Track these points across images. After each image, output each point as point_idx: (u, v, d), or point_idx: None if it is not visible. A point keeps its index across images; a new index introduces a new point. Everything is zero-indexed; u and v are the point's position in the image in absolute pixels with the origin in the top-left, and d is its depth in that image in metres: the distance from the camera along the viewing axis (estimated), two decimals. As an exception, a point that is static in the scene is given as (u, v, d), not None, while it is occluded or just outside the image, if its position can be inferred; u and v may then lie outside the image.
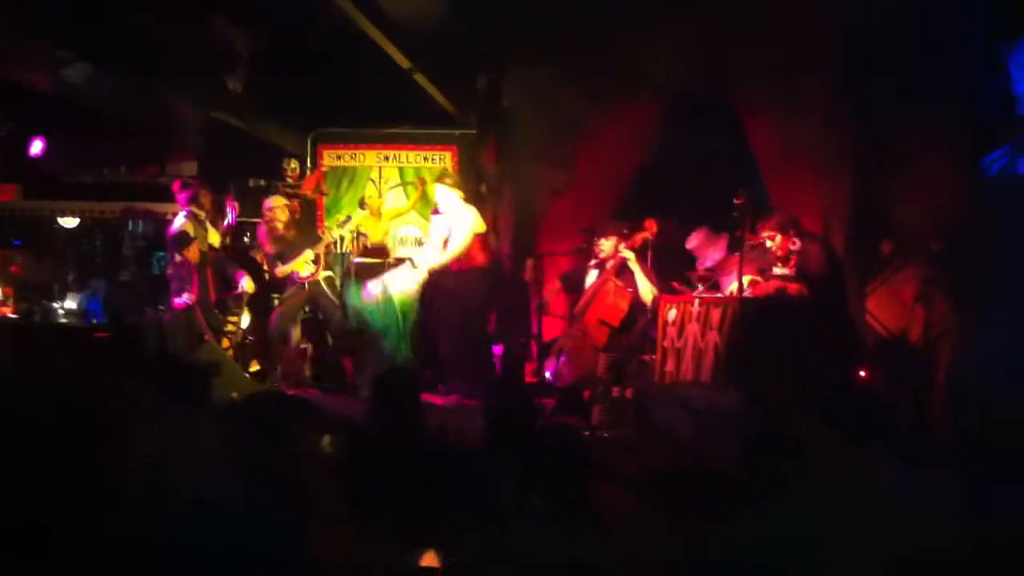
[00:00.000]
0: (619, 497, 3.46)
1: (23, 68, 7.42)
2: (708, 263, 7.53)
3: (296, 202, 8.73)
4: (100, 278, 11.17)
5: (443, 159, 9.58)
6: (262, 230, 8.46)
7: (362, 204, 9.13)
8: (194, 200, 8.43)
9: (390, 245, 9.38)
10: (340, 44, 7.95)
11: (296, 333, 8.91)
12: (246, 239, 9.79)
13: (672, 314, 6.70)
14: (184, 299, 8.03)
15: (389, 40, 7.56)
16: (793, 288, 6.51)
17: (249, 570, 2.57)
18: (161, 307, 8.39)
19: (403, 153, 9.75)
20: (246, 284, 8.51)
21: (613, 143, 8.74)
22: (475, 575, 2.80)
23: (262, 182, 9.81)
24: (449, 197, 7.80)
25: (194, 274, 8.17)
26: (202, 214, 8.41)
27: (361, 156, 9.79)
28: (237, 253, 9.42)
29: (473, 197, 9.32)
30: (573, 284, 7.88)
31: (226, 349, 8.24)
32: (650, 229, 7.41)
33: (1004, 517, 3.18)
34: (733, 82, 7.92)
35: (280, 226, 8.35)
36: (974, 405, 5.45)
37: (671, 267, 7.67)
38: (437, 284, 7.80)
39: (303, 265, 8.26)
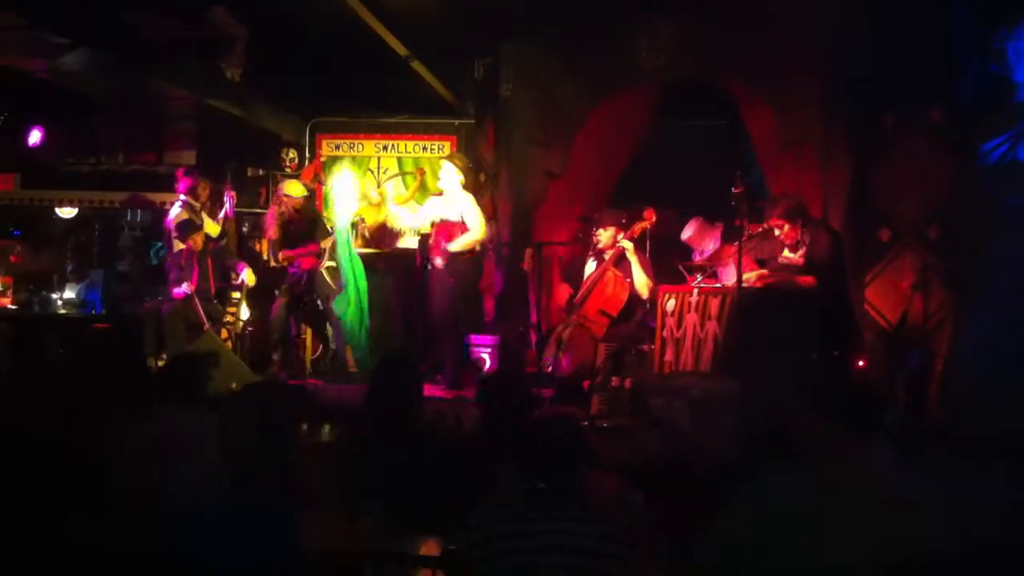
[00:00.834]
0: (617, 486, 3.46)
1: (20, 56, 7.39)
2: (703, 253, 7.53)
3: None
4: (99, 268, 11.16)
5: (442, 148, 9.57)
6: (271, 213, 8.44)
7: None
8: (193, 190, 8.43)
9: (389, 235, 9.37)
10: (338, 33, 7.92)
11: (295, 323, 8.93)
12: (244, 229, 9.78)
13: (671, 304, 6.69)
14: (183, 289, 8.02)
15: (387, 28, 7.53)
16: (802, 279, 6.49)
17: (246, 559, 2.57)
18: (160, 297, 8.37)
19: (401, 142, 9.73)
20: (247, 276, 8.50)
21: (610, 131, 8.74)
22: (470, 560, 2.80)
23: (260, 171, 9.80)
24: (453, 179, 7.78)
25: (194, 264, 8.16)
26: (197, 204, 8.39)
27: (360, 145, 9.77)
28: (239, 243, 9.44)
29: (472, 186, 9.34)
30: (571, 274, 7.88)
31: (225, 340, 8.24)
32: (649, 219, 7.39)
33: (999, 508, 3.19)
34: (730, 69, 7.91)
35: (289, 213, 8.35)
36: (971, 393, 5.45)
37: (670, 256, 7.68)
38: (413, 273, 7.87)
39: (307, 256, 8.25)
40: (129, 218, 11.70)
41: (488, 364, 8.19)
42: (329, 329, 8.82)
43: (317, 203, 9.42)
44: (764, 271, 6.78)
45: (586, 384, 7.02)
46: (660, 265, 7.55)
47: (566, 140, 8.62)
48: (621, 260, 7.35)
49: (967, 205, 6.14)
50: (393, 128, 9.75)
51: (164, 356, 7.88)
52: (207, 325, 7.92)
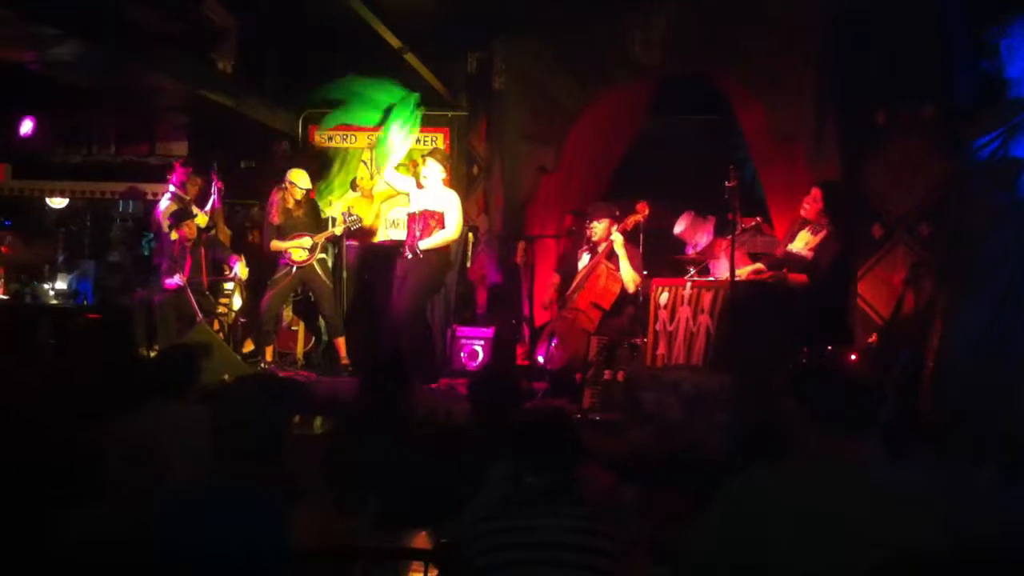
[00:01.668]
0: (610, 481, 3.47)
1: (11, 47, 7.35)
2: (696, 247, 7.53)
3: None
4: (90, 259, 11.14)
5: (435, 140, 9.54)
6: (275, 199, 8.42)
7: (354, 186, 9.11)
8: (183, 183, 8.40)
9: (381, 227, 9.36)
10: (331, 24, 7.90)
11: (287, 314, 8.92)
12: (245, 223, 9.76)
13: (664, 297, 6.70)
14: (176, 280, 8.00)
15: (380, 20, 7.51)
16: (791, 276, 6.51)
17: (237, 552, 2.57)
18: (152, 288, 8.35)
19: (395, 134, 9.69)
20: (239, 270, 8.49)
21: (604, 126, 8.74)
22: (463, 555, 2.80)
23: (253, 163, 9.77)
24: (436, 173, 7.78)
25: (187, 255, 8.14)
26: (187, 197, 8.37)
27: (352, 137, 9.73)
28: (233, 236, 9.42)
29: (465, 179, 9.32)
30: (565, 267, 7.89)
31: (217, 331, 8.22)
32: (642, 212, 7.40)
33: (990, 504, 3.20)
34: (723, 65, 7.91)
35: (292, 201, 8.33)
36: (962, 390, 5.46)
37: (664, 250, 7.69)
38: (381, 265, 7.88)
39: (298, 250, 8.24)
40: (121, 209, 11.68)
41: (480, 357, 8.20)
42: (321, 322, 8.82)
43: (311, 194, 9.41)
44: (760, 266, 6.79)
45: (578, 377, 7.03)
46: (654, 259, 7.57)
47: (559, 135, 8.61)
48: (613, 253, 7.36)
49: (959, 201, 6.14)
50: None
51: (156, 347, 7.87)
52: (199, 317, 7.90)
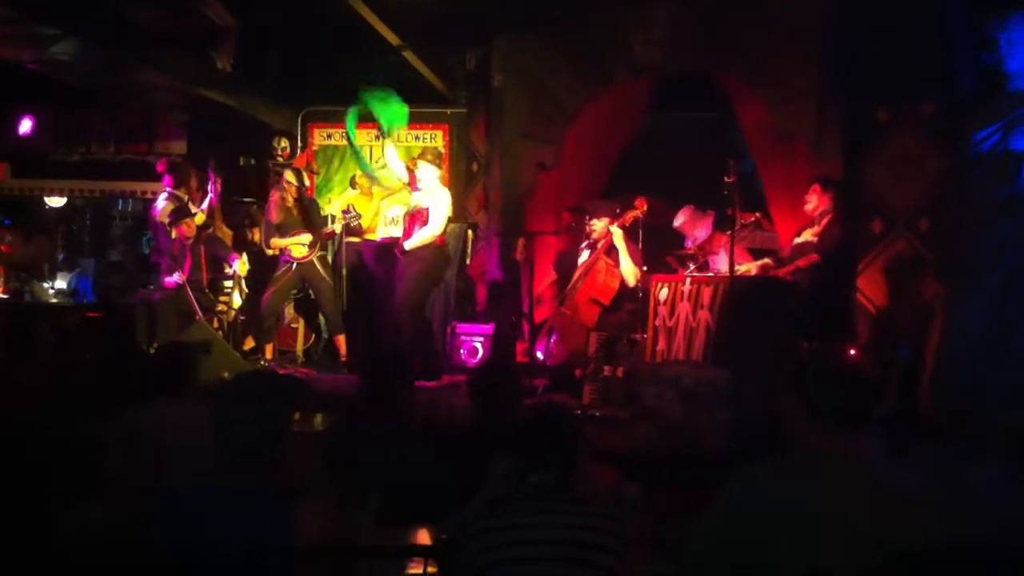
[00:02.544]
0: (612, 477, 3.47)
1: (10, 46, 7.35)
2: (695, 241, 7.52)
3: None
4: (90, 257, 11.14)
5: (434, 138, 9.54)
6: (273, 197, 8.43)
7: (353, 183, 9.11)
8: (177, 183, 8.34)
9: (380, 224, 9.36)
10: (330, 22, 7.89)
11: (288, 312, 8.92)
12: (245, 222, 9.75)
13: (663, 293, 6.70)
14: (175, 278, 7.99)
15: (379, 17, 7.51)
16: (801, 261, 6.51)
17: (239, 548, 2.58)
18: (152, 286, 8.34)
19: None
20: (238, 266, 8.48)
21: (604, 123, 8.73)
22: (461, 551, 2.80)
23: (252, 161, 9.76)
24: (430, 174, 7.77)
25: (187, 253, 8.13)
26: (184, 196, 8.34)
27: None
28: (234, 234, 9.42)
29: (464, 176, 9.33)
30: (566, 265, 7.89)
31: (217, 329, 8.22)
32: (640, 208, 7.40)
33: (990, 501, 3.20)
34: (723, 62, 7.91)
35: (290, 199, 8.33)
36: (962, 385, 5.46)
37: (663, 246, 7.68)
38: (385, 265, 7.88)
39: (297, 246, 8.24)
40: (120, 207, 11.67)
41: (480, 353, 8.20)
42: (321, 319, 8.82)
43: (310, 192, 9.41)
44: (767, 261, 6.79)
45: (578, 373, 7.03)
46: (653, 254, 7.56)
47: (558, 133, 8.62)
48: (612, 249, 7.36)
49: (958, 195, 6.15)
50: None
51: (156, 345, 7.87)
52: (199, 314, 7.90)
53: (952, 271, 5.99)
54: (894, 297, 7.05)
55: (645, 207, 7.41)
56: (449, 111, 9.55)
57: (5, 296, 9.84)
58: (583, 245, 7.65)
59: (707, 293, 6.46)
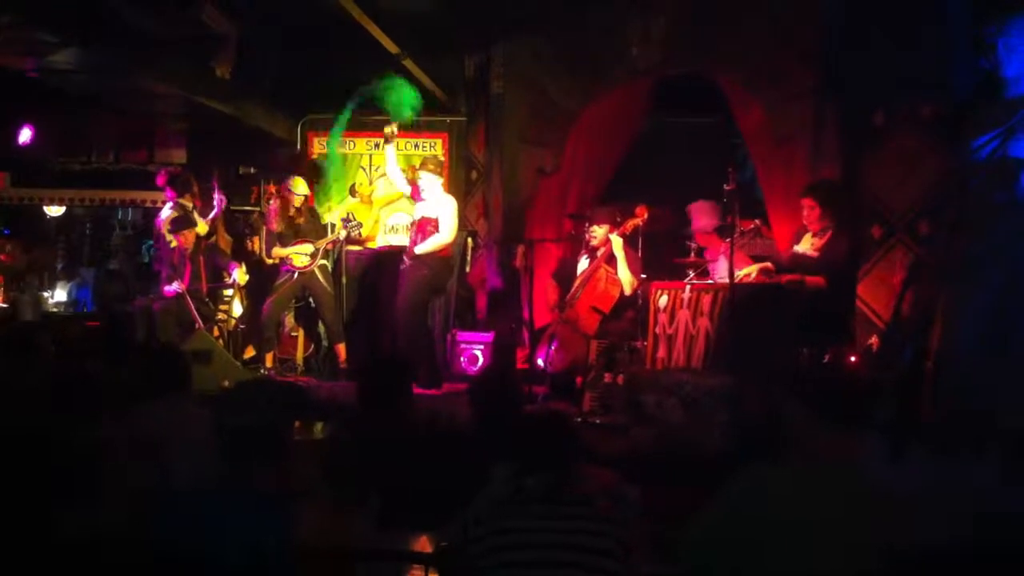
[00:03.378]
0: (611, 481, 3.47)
1: (10, 55, 7.37)
2: (699, 231, 7.50)
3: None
4: (89, 266, 11.15)
5: (433, 146, 9.55)
6: (273, 206, 8.44)
7: (352, 191, 9.12)
8: (182, 193, 8.34)
9: (380, 233, 9.37)
10: (329, 30, 7.91)
11: (289, 320, 8.92)
12: (244, 231, 9.76)
13: (663, 300, 6.69)
14: (175, 287, 8.00)
15: (378, 26, 7.52)
16: (808, 280, 6.48)
17: (240, 555, 2.57)
18: (152, 295, 8.34)
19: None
20: (238, 275, 8.49)
21: (603, 128, 8.74)
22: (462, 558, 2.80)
23: (252, 170, 9.78)
24: (433, 184, 7.77)
25: (186, 262, 8.13)
26: (189, 205, 8.35)
27: (351, 143, 9.75)
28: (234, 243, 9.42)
29: (464, 184, 9.33)
30: (564, 271, 7.89)
31: (217, 338, 8.22)
32: (641, 216, 7.40)
33: (990, 504, 3.20)
34: (721, 66, 7.91)
35: (292, 209, 8.34)
36: (962, 390, 5.45)
37: (662, 253, 7.69)
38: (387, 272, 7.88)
39: (299, 256, 8.24)
40: (120, 216, 11.68)
41: (480, 361, 8.20)
42: (321, 327, 8.82)
43: (310, 201, 9.42)
44: (768, 264, 6.78)
45: (579, 381, 7.03)
46: (653, 262, 7.57)
47: (558, 137, 8.62)
48: (613, 257, 7.36)
49: (958, 199, 6.14)
50: (385, 125, 9.72)
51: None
52: (199, 323, 7.90)
53: (952, 275, 5.98)
54: (893, 302, 7.04)
55: (646, 215, 7.41)
56: (448, 120, 9.57)
57: (4, 306, 9.85)
58: (583, 252, 7.66)
59: (707, 300, 6.46)
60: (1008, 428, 4.77)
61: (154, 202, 9.82)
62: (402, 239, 8.97)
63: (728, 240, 6.40)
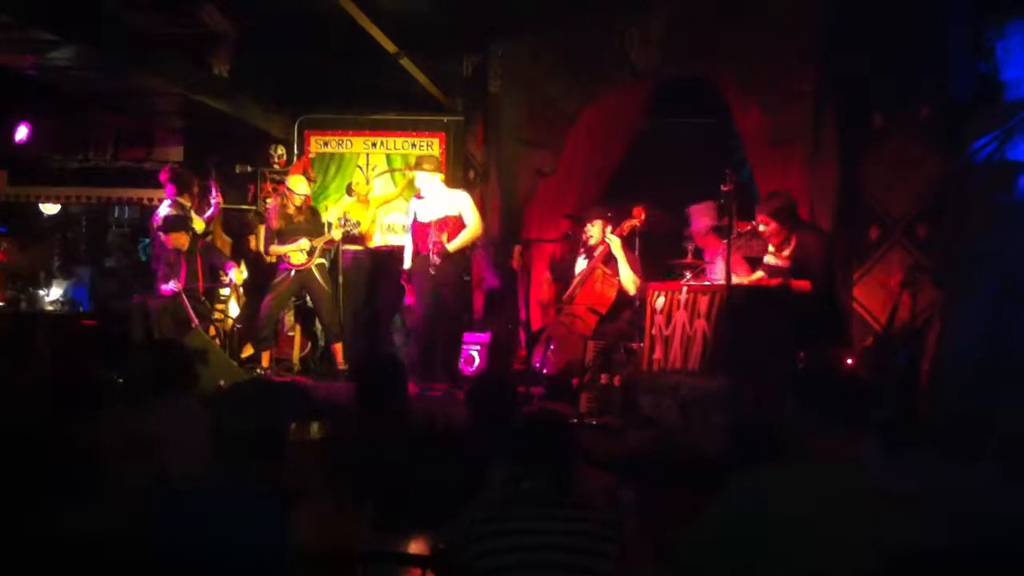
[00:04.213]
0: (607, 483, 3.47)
1: (7, 52, 7.35)
2: (698, 231, 7.49)
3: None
4: (86, 265, 11.13)
5: (431, 145, 9.55)
6: (273, 204, 8.44)
7: (349, 191, 9.11)
8: (182, 191, 8.32)
9: (377, 232, 9.36)
10: (326, 28, 7.90)
11: (288, 319, 8.91)
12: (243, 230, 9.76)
13: (660, 301, 6.68)
14: (171, 286, 7.98)
15: (375, 24, 7.52)
16: (795, 283, 6.45)
17: (237, 556, 2.57)
18: (148, 294, 8.32)
19: (391, 139, 9.71)
20: (235, 275, 8.47)
21: (601, 129, 8.73)
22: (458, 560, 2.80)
23: (248, 168, 9.77)
24: (432, 182, 7.74)
25: (182, 261, 8.12)
26: (187, 203, 8.33)
27: (348, 142, 9.75)
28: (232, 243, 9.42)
29: (461, 184, 9.33)
30: (561, 271, 7.88)
31: (213, 337, 8.21)
32: (638, 217, 7.40)
33: (987, 505, 3.20)
34: (719, 67, 7.91)
35: (292, 207, 8.33)
36: (959, 392, 5.46)
37: (659, 254, 7.68)
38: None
39: (296, 253, 8.23)
40: (117, 215, 11.66)
41: (477, 362, 8.19)
42: (318, 326, 8.81)
43: (307, 200, 9.42)
44: (762, 274, 6.77)
45: (575, 382, 7.01)
46: (650, 263, 7.56)
47: (557, 138, 8.61)
48: (610, 258, 7.36)
49: (956, 201, 6.15)
50: (382, 125, 9.73)
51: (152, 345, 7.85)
52: (195, 322, 7.88)
53: (949, 277, 5.99)
54: (890, 304, 7.04)
55: (643, 216, 7.41)
56: (446, 119, 9.57)
57: (1, 304, 9.83)
58: (580, 252, 7.65)
59: (704, 302, 6.44)
60: (1004, 430, 4.78)
61: (151, 200, 9.81)
62: (399, 239, 8.96)
63: (726, 241, 6.39)
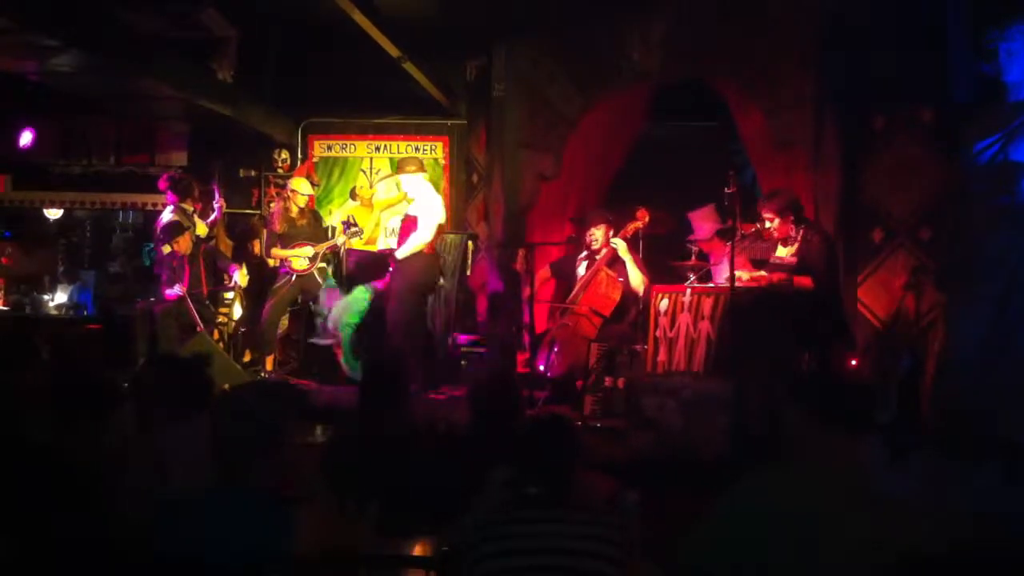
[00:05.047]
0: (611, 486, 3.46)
1: (11, 58, 7.37)
2: (699, 237, 7.48)
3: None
4: (90, 269, 11.13)
5: (434, 149, 9.57)
6: (277, 207, 8.44)
7: (353, 195, 9.12)
8: (183, 197, 8.30)
9: (381, 235, 9.36)
10: (330, 33, 7.91)
11: (287, 323, 8.91)
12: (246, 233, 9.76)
13: (664, 304, 6.68)
14: (175, 291, 7.99)
15: (379, 29, 7.52)
16: (797, 279, 6.43)
17: (239, 559, 2.57)
18: (152, 298, 8.33)
19: (394, 143, 9.73)
20: (239, 278, 8.47)
21: (604, 132, 8.74)
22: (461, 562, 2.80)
23: (252, 172, 9.79)
24: (417, 184, 7.72)
25: (186, 266, 8.12)
26: (190, 208, 8.33)
27: (352, 146, 9.77)
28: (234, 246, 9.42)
29: (465, 187, 9.33)
30: (564, 274, 7.88)
31: (217, 341, 8.22)
32: (642, 219, 7.40)
33: (991, 508, 3.19)
34: (721, 71, 7.91)
35: (295, 210, 8.33)
36: (963, 393, 5.46)
37: (663, 256, 7.67)
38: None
39: (298, 258, 8.23)
40: (121, 219, 11.67)
41: (480, 365, 8.19)
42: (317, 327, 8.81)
43: (311, 204, 9.43)
44: (762, 272, 6.77)
45: (579, 384, 7.01)
46: (654, 265, 7.55)
47: (559, 142, 8.61)
48: (614, 260, 7.36)
49: (959, 205, 6.15)
50: (385, 129, 9.75)
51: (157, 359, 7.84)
52: (200, 326, 7.89)
53: (953, 280, 5.99)
54: (894, 306, 7.04)
55: (647, 218, 7.41)
56: (449, 123, 9.58)
57: (5, 308, 9.84)
58: (582, 255, 7.65)
59: (708, 304, 6.44)
60: (1007, 432, 4.77)
61: (155, 205, 9.81)
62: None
63: (729, 243, 6.39)
